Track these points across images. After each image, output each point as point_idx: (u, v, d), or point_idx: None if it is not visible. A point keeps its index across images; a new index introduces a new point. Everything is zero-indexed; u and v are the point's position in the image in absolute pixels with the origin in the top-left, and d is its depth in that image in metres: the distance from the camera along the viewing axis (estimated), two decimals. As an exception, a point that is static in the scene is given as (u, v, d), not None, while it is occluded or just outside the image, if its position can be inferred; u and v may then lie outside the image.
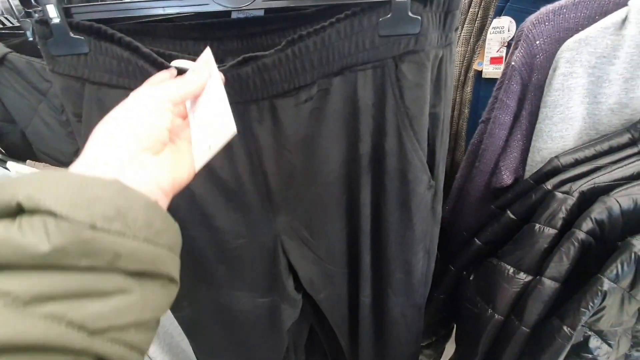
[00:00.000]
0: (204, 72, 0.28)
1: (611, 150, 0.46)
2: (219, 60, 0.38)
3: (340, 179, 0.39)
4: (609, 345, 0.40)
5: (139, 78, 0.34)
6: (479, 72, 0.75)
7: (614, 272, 0.36)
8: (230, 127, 0.26)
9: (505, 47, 0.69)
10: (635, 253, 0.35)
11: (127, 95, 0.34)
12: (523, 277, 0.43)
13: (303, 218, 0.42)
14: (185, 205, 0.40)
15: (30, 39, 0.70)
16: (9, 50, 0.62)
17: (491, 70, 0.71)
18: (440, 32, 0.32)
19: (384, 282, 0.47)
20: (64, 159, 0.66)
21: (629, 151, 0.44)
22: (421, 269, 0.46)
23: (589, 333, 0.40)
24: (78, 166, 0.21)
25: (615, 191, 0.39)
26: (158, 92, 0.26)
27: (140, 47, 0.32)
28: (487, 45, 0.70)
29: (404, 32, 0.31)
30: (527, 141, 0.54)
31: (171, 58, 0.34)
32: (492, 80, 0.73)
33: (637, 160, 0.42)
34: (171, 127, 0.25)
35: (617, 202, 0.38)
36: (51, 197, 0.16)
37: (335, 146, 0.37)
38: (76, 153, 0.68)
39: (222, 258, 0.44)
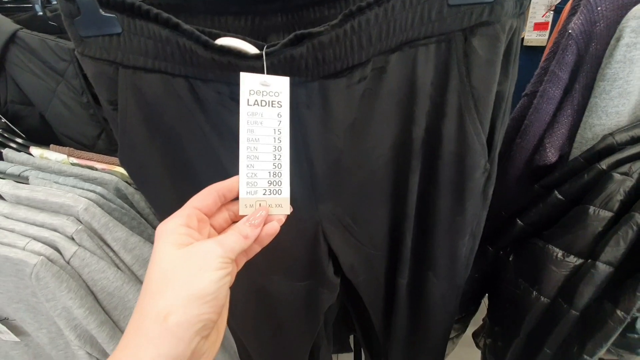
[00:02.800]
0: (259, 224, 0.27)
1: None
2: (262, 37, 0.35)
3: (388, 163, 0.37)
4: (660, 326, 0.40)
5: (178, 60, 0.31)
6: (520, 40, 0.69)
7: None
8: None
9: (552, 12, 0.63)
10: None
11: (163, 80, 0.32)
12: (574, 260, 0.42)
13: (347, 205, 0.40)
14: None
15: (40, 13, 0.66)
16: (19, 26, 0.59)
17: (534, 38, 0.66)
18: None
19: (426, 265, 0.46)
20: (86, 142, 0.65)
21: (694, 127, 0.42)
22: (466, 252, 0.45)
23: (637, 314, 0.40)
24: (140, 356, 0.21)
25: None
26: (220, 253, 0.23)
27: (181, 24, 0.29)
28: (531, 10, 0.64)
29: (477, 0, 0.27)
30: (577, 117, 0.51)
31: (212, 36, 0.31)
32: (534, 49, 0.68)
33: None
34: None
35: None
36: None
37: (386, 130, 0.35)
38: (99, 136, 0.67)
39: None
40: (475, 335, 0.73)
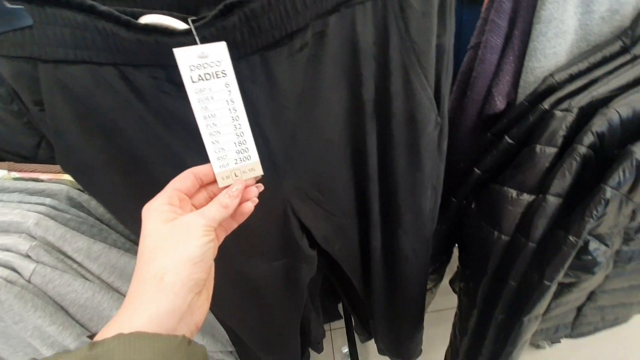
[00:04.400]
0: (238, 195, 0.29)
1: (604, 61, 0.46)
2: (192, 12, 0.33)
3: (344, 130, 0.37)
4: (606, 245, 0.44)
5: (102, 46, 0.29)
6: (461, -7, 0.70)
7: (616, 179, 0.37)
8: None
9: (489, -39, 0.64)
10: (636, 159, 0.36)
11: (90, 71, 0.30)
12: (527, 197, 0.45)
13: (310, 177, 0.40)
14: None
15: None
16: None
17: (475, -10, 0.66)
18: (443, -52, 0.28)
19: (395, 224, 0.48)
20: (26, 153, 0.60)
21: (621, 59, 0.44)
22: (429, 206, 0.47)
23: (589, 237, 0.43)
24: (144, 314, 0.23)
25: (614, 101, 0.39)
26: (202, 224, 0.26)
27: (96, 6, 0.27)
28: (468, -39, 0.64)
29: (405, -48, 0.27)
30: (519, 62, 0.53)
31: (134, 16, 0.28)
32: (476, 2, 0.69)
33: (631, 67, 0.42)
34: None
35: (617, 112, 0.39)
36: None
37: (336, 96, 0.35)
38: (39, 145, 0.62)
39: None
40: (451, 282, 0.78)
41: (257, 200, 0.31)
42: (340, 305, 1.01)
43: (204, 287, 0.27)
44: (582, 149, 0.40)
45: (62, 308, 0.49)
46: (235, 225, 0.32)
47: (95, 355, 0.19)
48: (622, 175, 0.37)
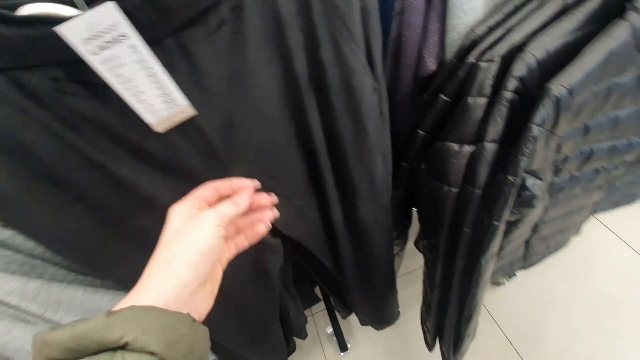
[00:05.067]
0: (249, 192, 0.33)
1: (517, 9, 0.49)
2: (85, -2, 0.29)
3: (284, 108, 0.36)
4: (540, 179, 0.48)
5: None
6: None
7: (540, 117, 0.41)
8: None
9: None
10: (553, 95, 0.40)
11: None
12: (468, 148, 0.48)
13: (258, 163, 0.39)
14: (118, 196, 0.33)
15: None
16: None
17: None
18: None
19: (351, 197, 0.48)
20: None
21: (530, 6, 0.48)
22: (382, 173, 0.48)
23: (525, 175, 0.47)
24: (153, 292, 0.25)
25: (528, 46, 0.42)
26: (214, 216, 0.29)
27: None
28: None
29: None
30: (442, 22, 0.55)
31: (13, 8, 0.24)
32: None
33: (539, 12, 0.45)
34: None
35: (533, 55, 0.41)
36: (152, 341, 0.22)
37: (268, 74, 0.33)
38: None
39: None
40: (416, 243, 0.82)
41: (270, 225, 0.36)
42: (317, 289, 1.02)
43: (207, 280, 0.30)
44: (508, 94, 0.43)
45: (8, 359, 0.43)
46: (246, 244, 0.36)
47: (112, 322, 0.22)
48: (543, 112, 0.40)
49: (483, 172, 0.46)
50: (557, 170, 0.53)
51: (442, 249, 0.55)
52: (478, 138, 0.46)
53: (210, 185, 0.32)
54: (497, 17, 0.49)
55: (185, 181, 0.35)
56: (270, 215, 0.36)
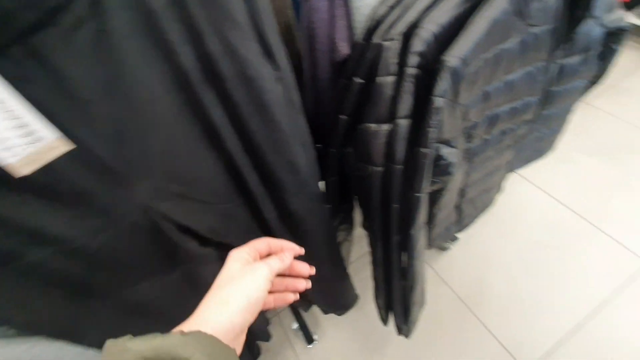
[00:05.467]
0: (292, 254, 0.38)
1: (411, -12, 0.50)
2: None
3: (181, 108, 0.34)
4: (453, 147, 0.51)
5: None
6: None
7: (440, 89, 0.43)
8: None
9: None
10: (448, 67, 0.42)
11: None
12: (385, 127, 0.49)
13: (164, 171, 0.36)
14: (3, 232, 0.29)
15: None
16: None
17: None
18: None
19: (278, 191, 0.47)
20: None
21: (422, -17, 0.49)
22: (305, 161, 0.47)
23: (439, 145, 0.50)
24: (208, 325, 0.28)
25: (423, 21, 0.44)
26: (266, 270, 0.33)
27: None
28: None
29: None
30: (347, 5, 0.55)
31: None
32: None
33: (430, -12, 0.47)
34: None
35: (427, 29, 0.43)
36: None
37: (152, 73, 0.30)
38: None
39: (92, 263, 0.35)
40: (362, 225, 0.84)
41: (298, 296, 0.40)
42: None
43: (242, 331, 0.31)
44: (411, 70, 0.44)
45: None
46: (272, 305, 0.38)
47: (187, 341, 0.24)
48: (443, 83, 0.43)
49: (400, 148, 0.47)
50: (469, 137, 0.57)
51: (378, 226, 0.56)
52: (392, 116, 0.48)
53: (265, 239, 0.37)
54: (395, -4, 0.50)
55: (77, 204, 0.32)
56: (303, 285, 0.40)
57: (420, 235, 0.53)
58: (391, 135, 0.48)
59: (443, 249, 1.23)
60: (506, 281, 1.13)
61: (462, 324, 1.07)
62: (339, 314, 0.96)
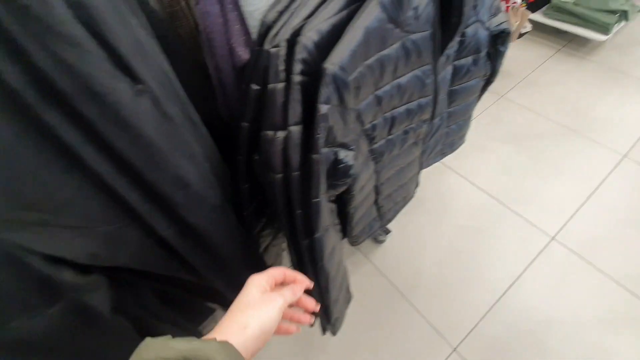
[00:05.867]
0: (303, 287, 0.41)
1: (298, -7, 0.50)
2: None
3: (22, 133, 0.30)
4: (352, 150, 0.53)
5: None
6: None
7: (323, 96, 0.43)
8: None
9: None
10: (328, 74, 0.42)
11: None
12: (280, 134, 0.49)
13: (11, 201, 0.32)
14: None
15: None
16: None
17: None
18: None
19: (168, 206, 0.45)
20: None
21: (309, -11, 0.50)
22: (195, 174, 0.45)
23: (336, 149, 0.51)
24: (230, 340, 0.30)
25: (304, 29, 0.44)
26: (281, 302, 0.36)
27: None
28: None
29: None
30: (239, 10, 0.54)
31: None
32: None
33: (314, -5, 0.47)
34: None
35: (308, 37, 0.44)
36: None
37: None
38: None
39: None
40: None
41: (299, 329, 0.42)
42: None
43: (252, 357, 0.32)
44: (297, 78, 0.44)
45: None
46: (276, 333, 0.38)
47: (220, 348, 0.27)
48: (325, 90, 0.43)
49: (294, 155, 0.47)
50: (371, 139, 0.59)
51: (287, 231, 0.56)
52: (285, 123, 0.47)
53: (281, 269, 0.40)
54: (284, 1, 0.50)
55: None
56: (308, 319, 0.43)
57: (327, 238, 0.54)
58: (286, 143, 0.48)
59: (379, 241, 1.28)
60: (436, 266, 1.21)
61: (397, 310, 1.13)
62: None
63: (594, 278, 1.13)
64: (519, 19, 1.45)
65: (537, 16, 1.94)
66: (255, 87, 0.52)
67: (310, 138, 0.46)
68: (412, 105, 0.59)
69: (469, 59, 0.70)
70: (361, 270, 1.23)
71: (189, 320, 0.88)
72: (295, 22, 0.46)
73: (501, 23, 0.66)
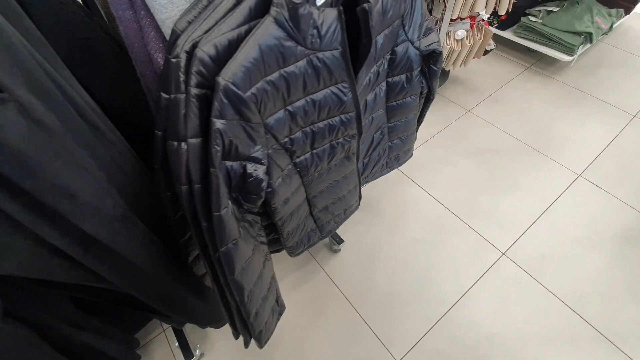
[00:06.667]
0: None
1: (212, 5, 0.50)
2: None
3: None
4: (262, 164, 0.52)
5: None
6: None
7: (216, 110, 0.43)
8: None
9: None
10: (220, 88, 0.42)
11: None
12: (183, 145, 0.48)
13: None
14: None
15: None
16: None
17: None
18: None
19: (59, 218, 0.44)
20: None
21: (225, 2, 0.49)
22: (89, 182, 0.44)
23: (244, 163, 0.50)
24: None
25: (200, 42, 0.44)
26: None
27: None
28: None
29: None
30: (152, 17, 0.53)
31: None
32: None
33: (221, 4, 0.47)
34: None
35: (203, 51, 0.43)
36: None
37: None
38: None
39: None
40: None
41: None
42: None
43: None
44: (194, 90, 0.44)
45: None
46: None
47: None
48: (218, 104, 0.43)
49: (195, 167, 0.47)
50: (291, 153, 0.59)
51: (198, 242, 0.55)
52: (185, 134, 0.47)
53: None
54: (195, 11, 0.49)
55: None
56: None
57: (236, 251, 0.53)
58: (188, 154, 0.47)
59: (335, 251, 1.28)
60: (388, 278, 1.21)
61: (345, 320, 1.12)
62: (216, 327, 0.94)
63: (540, 295, 1.15)
64: (482, 37, 1.47)
65: (508, 34, 1.99)
66: (164, 95, 0.51)
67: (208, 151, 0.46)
68: (334, 121, 0.59)
69: (402, 77, 0.70)
70: (315, 278, 1.23)
71: (122, 329, 0.85)
72: (197, 34, 0.45)
73: (432, 43, 0.67)
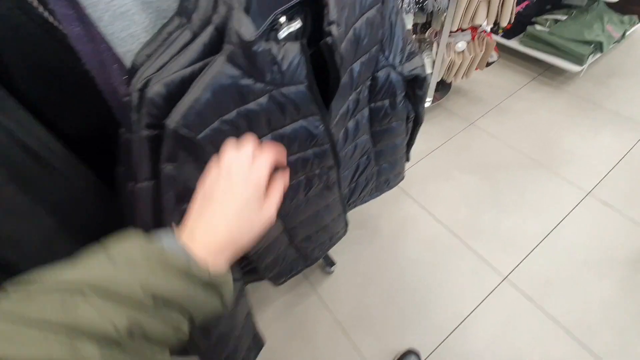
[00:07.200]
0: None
1: (170, 39, 0.47)
2: None
3: None
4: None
5: None
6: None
7: (166, 154, 0.40)
8: None
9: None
10: (169, 131, 0.39)
11: None
12: (138, 186, 0.45)
13: None
14: None
15: None
16: None
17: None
18: None
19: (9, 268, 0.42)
20: None
21: (177, 33, 0.47)
22: (37, 249, 0.42)
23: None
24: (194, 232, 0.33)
25: (151, 81, 0.41)
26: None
27: None
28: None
29: None
30: (113, 50, 0.51)
31: None
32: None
33: (176, 40, 0.44)
34: None
35: (155, 90, 0.40)
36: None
37: None
38: None
39: None
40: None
41: None
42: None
43: None
44: (144, 132, 0.41)
45: None
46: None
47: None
48: (168, 148, 0.40)
49: (145, 211, 0.44)
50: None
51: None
52: (138, 177, 0.44)
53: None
54: (154, 45, 0.47)
55: None
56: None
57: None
58: (141, 197, 0.45)
59: (328, 273, 1.24)
60: (382, 302, 1.16)
61: (336, 348, 1.08)
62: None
63: (542, 323, 1.08)
64: (483, 49, 1.42)
65: (513, 43, 1.92)
66: (123, 131, 0.49)
67: (161, 196, 0.43)
68: (307, 154, 0.56)
69: (385, 102, 0.67)
70: (306, 301, 1.19)
71: None
72: (150, 72, 0.42)
73: (415, 68, 0.63)
